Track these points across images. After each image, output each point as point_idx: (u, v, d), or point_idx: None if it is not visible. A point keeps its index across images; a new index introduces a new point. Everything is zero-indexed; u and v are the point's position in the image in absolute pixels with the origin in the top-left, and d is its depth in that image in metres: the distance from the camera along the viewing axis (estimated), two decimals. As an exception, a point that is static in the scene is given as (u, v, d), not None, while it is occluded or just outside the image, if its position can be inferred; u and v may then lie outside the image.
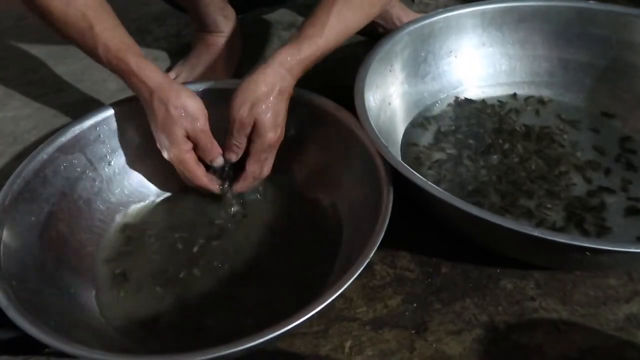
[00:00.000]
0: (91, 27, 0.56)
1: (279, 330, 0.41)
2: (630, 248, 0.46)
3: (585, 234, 0.59)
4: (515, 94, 0.77)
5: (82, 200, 0.58)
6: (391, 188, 0.52)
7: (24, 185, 0.54)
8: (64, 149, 0.58)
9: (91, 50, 0.57)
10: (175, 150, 0.57)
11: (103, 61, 0.57)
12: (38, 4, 0.56)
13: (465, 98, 0.76)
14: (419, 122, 0.73)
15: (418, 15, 0.82)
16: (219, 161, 0.59)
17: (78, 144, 0.59)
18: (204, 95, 0.60)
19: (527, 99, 0.76)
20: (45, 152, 0.56)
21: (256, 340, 0.40)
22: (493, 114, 0.74)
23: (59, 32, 0.58)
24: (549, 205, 0.61)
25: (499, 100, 0.76)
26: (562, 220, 0.60)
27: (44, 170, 0.56)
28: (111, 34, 0.57)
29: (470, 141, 0.70)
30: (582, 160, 0.67)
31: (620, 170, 0.66)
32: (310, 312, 0.42)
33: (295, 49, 0.57)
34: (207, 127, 0.58)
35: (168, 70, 0.85)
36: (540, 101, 0.76)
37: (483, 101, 0.76)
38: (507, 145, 0.69)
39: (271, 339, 0.41)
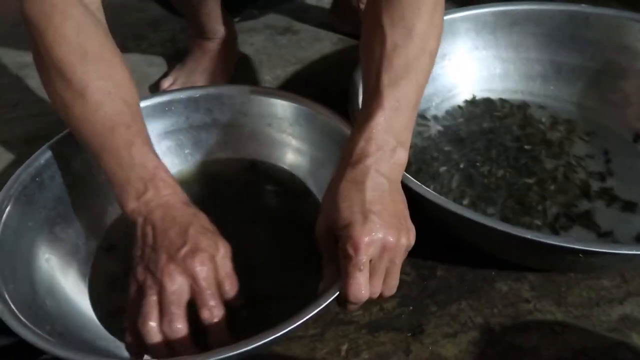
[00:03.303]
0: (129, 125, 0.48)
1: (268, 337, 0.40)
2: (622, 250, 0.46)
3: (577, 235, 0.59)
4: (508, 97, 0.77)
5: (79, 205, 0.58)
6: None
7: (21, 189, 0.54)
8: (62, 154, 0.58)
9: (115, 142, 0.47)
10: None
11: (125, 156, 0.47)
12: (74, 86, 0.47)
13: (465, 100, 0.77)
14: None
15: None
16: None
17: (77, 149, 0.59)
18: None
19: (520, 102, 0.77)
20: (43, 158, 0.56)
21: (248, 346, 0.40)
22: (486, 116, 0.74)
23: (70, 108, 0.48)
24: (540, 208, 0.62)
25: (492, 104, 0.76)
26: (554, 221, 0.61)
27: (41, 175, 0.56)
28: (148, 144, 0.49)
29: (464, 144, 0.70)
30: (575, 162, 0.67)
31: (613, 171, 0.66)
32: (303, 318, 0.42)
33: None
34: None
35: (165, 75, 0.85)
36: (533, 104, 0.76)
37: (476, 104, 0.76)
38: (500, 148, 0.69)
39: (260, 345, 0.41)
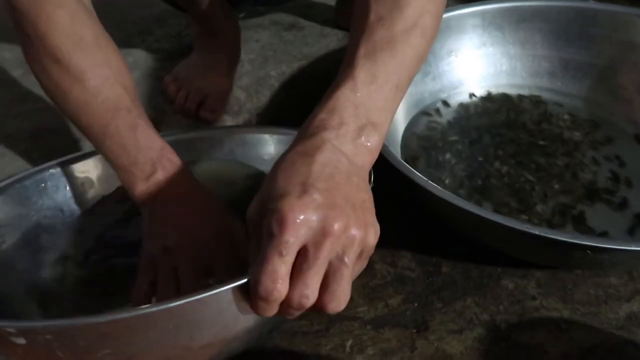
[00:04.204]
0: (130, 109, 0.48)
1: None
2: (631, 246, 0.46)
3: (585, 231, 0.59)
4: (515, 94, 0.77)
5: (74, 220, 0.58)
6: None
7: (19, 187, 0.54)
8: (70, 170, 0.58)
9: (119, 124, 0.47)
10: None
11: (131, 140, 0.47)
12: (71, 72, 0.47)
13: (471, 94, 0.76)
14: (419, 121, 0.73)
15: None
16: None
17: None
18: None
19: (528, 98, 0.76)
20: (54, 168, 0.56)
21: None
22: (494, 114, 0.74)
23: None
24: (539, 208, 0.61)
25: (495, 99, 0.76)
26: (559, 217, 0.60)
27: (45, 182, 0.56)
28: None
29: (470, 140, 0.70)
30: (583, 159, 0.67)
31: (621, 168, 0.66)
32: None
33: None
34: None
35: (169, 71, 0.85)
36: (541, 101, 0.76)
37: (483, 100, 0.76)
38: (507, 145, 0.69)
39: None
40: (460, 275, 0.58)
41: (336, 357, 0.51)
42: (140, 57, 0.91)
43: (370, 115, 0.39)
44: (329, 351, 0.52)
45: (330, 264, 0.33)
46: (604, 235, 0.58)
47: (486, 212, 0.48)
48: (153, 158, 0.46)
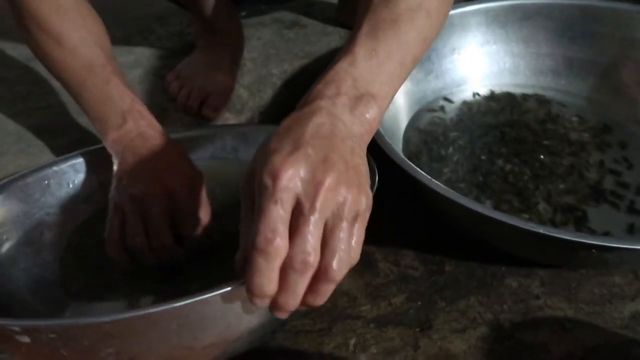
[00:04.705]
0: (104, 65, 0.53)
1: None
2: (637, 245, 0.45)
3: (588, 231, 0.58)
4: (519, 93, 0.76)
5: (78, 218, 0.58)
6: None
7: (22, 185, 0.54)
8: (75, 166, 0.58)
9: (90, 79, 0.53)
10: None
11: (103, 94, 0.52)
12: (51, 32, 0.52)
13: (475, 93, 0.76)
14: (422, 118, 0.73)
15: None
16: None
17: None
18: None
19: (531, 96, 0.76)
20: (57, 165, 0.56)
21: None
22: (497, 112, 0.74)
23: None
24: (541, 208, 0.61)
25: (500, 98, 0.76)
26: (562, 216, 0.60)
27: (48, 179, 0.56)
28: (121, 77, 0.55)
29: (473, 137, 0.70)
30: (587, 157, 0.67)
31: (624, 169, 0.66)
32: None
33: None
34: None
35: (171, 69, 0.85)
36: (544, 99, 0.76)
37: (486, 99, 0.76)
38: (510, 144, 0.69)
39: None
40: (464, 274, 0.58)
41: (339, 356, 0.51)
42: (142, 55, 0.90)
43: (370, 87, 0.37)
44: (332, 350, 0.52)
45: (326, 224, 0.32)
46: (607, 235, 0.58)
47: (491, 211, 0.48)
48: (124, 109, 0.52)
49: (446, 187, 0.50)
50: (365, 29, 0.40)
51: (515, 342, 0.52)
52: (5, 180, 0.54)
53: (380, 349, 0.51)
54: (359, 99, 0.37)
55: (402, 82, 0.41)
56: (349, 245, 0.32)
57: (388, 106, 0.39)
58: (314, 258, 0.31)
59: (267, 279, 0.31)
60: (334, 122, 0.35)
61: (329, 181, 0.31)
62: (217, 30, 0.81)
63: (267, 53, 0.91)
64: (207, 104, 0.77)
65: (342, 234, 0.32)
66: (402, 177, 0.53)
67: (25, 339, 0.35)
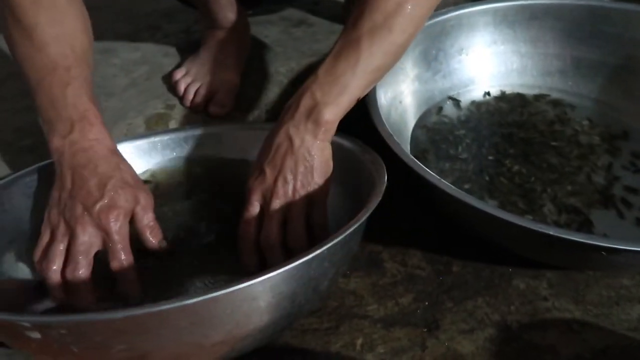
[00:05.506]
0: (69, 68, 0.50)
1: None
2: (647, 247, 0.45)
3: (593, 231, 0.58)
4: (528, 94, 0.76)
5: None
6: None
7: (29, 181, 0.54)
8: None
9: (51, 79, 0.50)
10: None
11: (59, 99, 0.50)
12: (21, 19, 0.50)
13: (485, 93, 0.76)
14: (429, 117, 0.73)
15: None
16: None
17: None
18: None
19: (539, 97, 0.76)
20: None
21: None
22: (506, 112, 0.73)
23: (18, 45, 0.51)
24: (546, 209, 0.61)
25: (510, 99, 0.76)
26: (566, 219, 0.60)
27: (54, 176, 0.56)
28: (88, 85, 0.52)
29: (481, 137, 0.70)
30: (596, 160, 0.66)
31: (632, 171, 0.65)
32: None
33: None
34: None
35: (178, 66, 0.85)
36: (552, 100, 0.75)
37: (496, 99, 0.75)
38: (518, 144, 0.68)
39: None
40: (471, 275, 0.58)
41: (346, 355, 0.51)
42: (149, 52, 0.90)
43: (326, 98, 0.49)
44: (339, 349, 0.51)
45: (287, 213, 0.50)
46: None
47: (500, 212, 0.48)
48: (74, 118, 0.49)
49: (455, 188, 0.50)
50: (333, 50, 0.50)
51: (523, 344, 0.52)
52: (11, 177, 0.54)
53: (387, 349, 0.51)
54: (315, 107, 0.49)
55: (366, 87, 0.51)
56: (302, 227, 0.50)
57: (350, 106, 0.50)
58: (273, 238, 0.49)
59: (247, 256, 0.51)
60: (291, 138, 0.49)
61: (280, 191, 0.49)
62: (222, 27, 0.81)
63: (274, 51, 0.91)
64: (214, 101, 0.76)
65: (293, 222, 0.49)
66: (410, 176, 0.53)
67: (36, 335, 0.35)
